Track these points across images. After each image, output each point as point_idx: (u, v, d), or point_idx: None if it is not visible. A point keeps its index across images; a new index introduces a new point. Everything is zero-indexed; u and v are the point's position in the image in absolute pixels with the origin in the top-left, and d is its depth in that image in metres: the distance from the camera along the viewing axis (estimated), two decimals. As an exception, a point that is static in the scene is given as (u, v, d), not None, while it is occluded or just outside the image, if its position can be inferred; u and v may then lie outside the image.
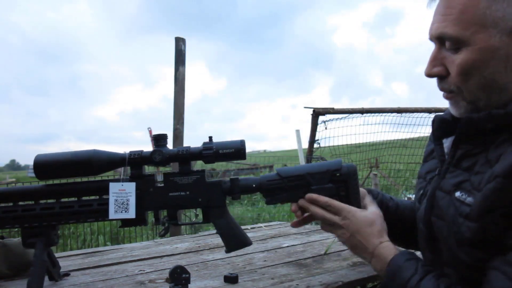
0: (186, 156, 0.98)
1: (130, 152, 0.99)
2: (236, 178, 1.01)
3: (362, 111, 3.86)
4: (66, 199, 1.02)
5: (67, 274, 1.21)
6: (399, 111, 3.94)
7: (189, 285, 0.99)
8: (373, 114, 3.94)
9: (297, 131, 4.12)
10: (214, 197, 0.99)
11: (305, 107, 3.89)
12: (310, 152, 3.98)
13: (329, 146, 4.09)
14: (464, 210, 0.71)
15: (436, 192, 0.81)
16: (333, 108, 3.82)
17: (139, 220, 0.98)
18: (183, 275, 0.96)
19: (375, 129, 4.15)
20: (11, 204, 1.01)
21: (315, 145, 3.96)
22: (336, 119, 3.92)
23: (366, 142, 4.33)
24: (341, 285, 1.07)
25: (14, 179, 16.03)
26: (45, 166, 0.98)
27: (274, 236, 1.61)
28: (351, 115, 3.92)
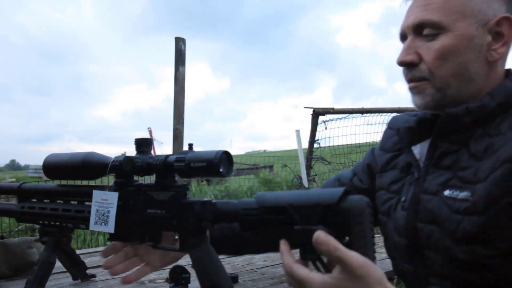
0: (159, 168, 0.79)
1: (114, 157, 0.85)
2: (209, 200, 0.76)
3: (362, 111, 3.86)
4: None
5: (93, 276, 1.21)
6: (399, 111, 3.94)
7: (189, 285, 0.99)
8: (373, 114, 3.95)
9: (297, 131, 4.12)
10: (188, 222, 0.76)
11: (305, 107, 3.90)
12: (310, 152, 3.99)
13: (329, 146, 4.09)
14: (460, 206, 0.71)
15: (420, 196, 0.79)
16: (333, 108, 3.82)
17: (118, 235, 0.81)
18: (183, 275, 0.97)
19: (375, 129, 4.15)
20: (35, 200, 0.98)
21: (315, 145, 3.96)
22: (336, 119, 3.93)
23: (366, 142, 4.32)
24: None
25: (14, 179, 16.04)
26: (49, 166, 0.95)
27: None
28: (351, 115, 3.92)
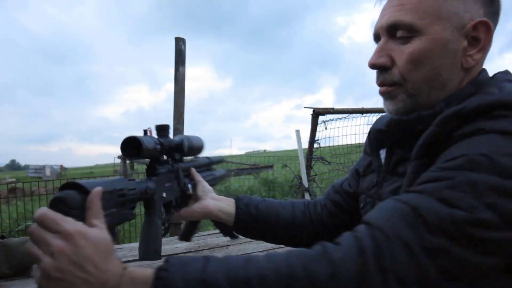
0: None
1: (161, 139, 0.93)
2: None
3: (362, 111, 3.86)
4: None
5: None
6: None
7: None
8: (373, 114, 3.94)
9: (297, 131, 4.12)
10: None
11: (305, 107, 3.90)
12: (310, 152, 3.99)
13: (329, 146, 4.09)
14: None
15: (377, 203, 0.79)
16: (333, 108, 3.82)
17: None
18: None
19: (375, 129, 4.14)
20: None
21: (315, 145, 3.96)
22: (336, 119, 3.92)
23: (366, 142, 4.32)
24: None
25: (14, 179, 16.03)
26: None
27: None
28: (351, 115, 3.92)
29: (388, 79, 0.75)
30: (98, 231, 0.58)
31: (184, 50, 3.21)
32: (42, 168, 26.02)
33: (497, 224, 0.54)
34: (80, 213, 0.59)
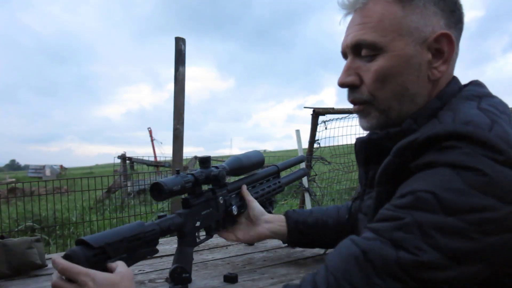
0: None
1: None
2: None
3: (362, 111, 3.85)
4: None
5: None
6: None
7: (189, 285, 1.00)
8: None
9: (297, 131, 4.12)
10: None
11: (305, 107, 3.90)
12: (310, 152, 3.99)
13: (329, 146, 4.09)
14: None
15: (359, 215, 0.83)
16: (333, 108, 3.82)
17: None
18: (183, 275, 0.97)
19: (375, 129, 4.14)
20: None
21: (315, 145, 3.96)
22: (336, 119, 3.93)
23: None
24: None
25: (14, 179, 16.03)
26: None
27: (274, 236, 1.61)
28: (351, 115, 3.92)
29: (358, 97, 0.77)
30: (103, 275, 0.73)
31: (184, 50, 3.21)
32: (42, 168, 26.02)
33: (443, 264, 0.55)
34: (85, 266, 0.74)
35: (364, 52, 0.74)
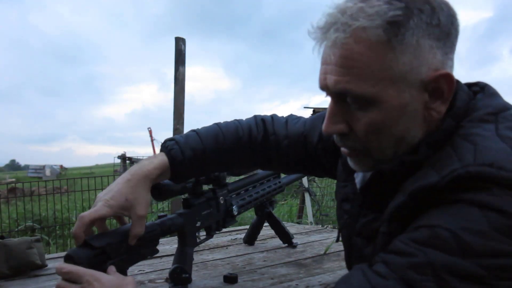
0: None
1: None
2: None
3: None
4: None
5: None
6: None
7: (189, 285, 1.00)
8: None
9: (297, 131, 4.11)
10: None
11: (305, 107, 3.90)
12: (310, 152, 3.98)
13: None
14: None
15: (353, 239, 0.78)
16: (333, 108, 3.82)
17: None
18: (183, 275, 0.97)
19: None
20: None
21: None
22: (336, 119, 3.92)
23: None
24: (341, 285, 1.07)
25: (14, 179, 16.04)
26: None
27: (274, 236, 1.61)
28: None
29: (349, 145, 0.69)
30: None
31: (184, 50, 3.21)
32: (42, 168, 26.02)
33: None
34: (86, 266, 0.76)
35: (350, 101, 0.65)
